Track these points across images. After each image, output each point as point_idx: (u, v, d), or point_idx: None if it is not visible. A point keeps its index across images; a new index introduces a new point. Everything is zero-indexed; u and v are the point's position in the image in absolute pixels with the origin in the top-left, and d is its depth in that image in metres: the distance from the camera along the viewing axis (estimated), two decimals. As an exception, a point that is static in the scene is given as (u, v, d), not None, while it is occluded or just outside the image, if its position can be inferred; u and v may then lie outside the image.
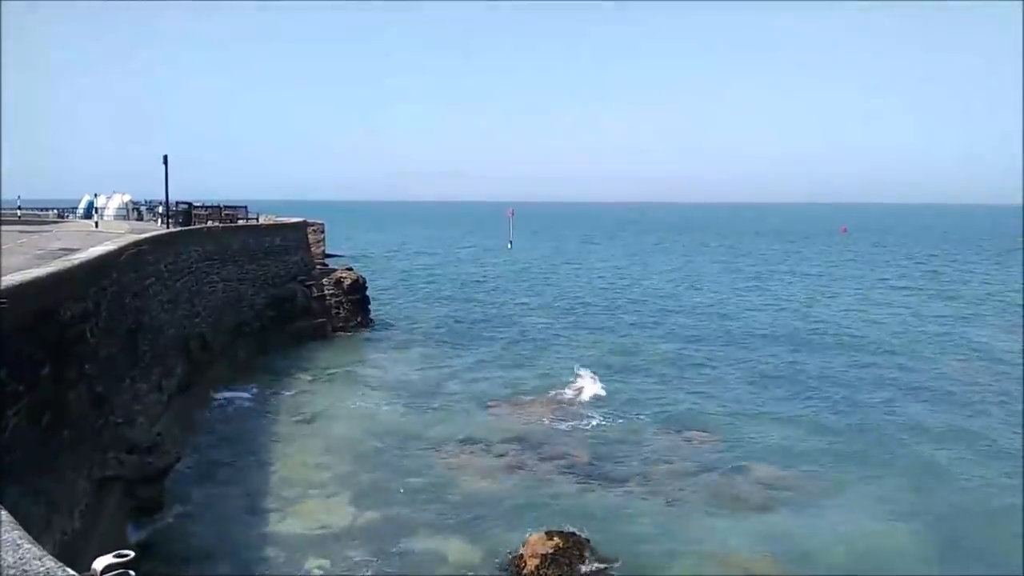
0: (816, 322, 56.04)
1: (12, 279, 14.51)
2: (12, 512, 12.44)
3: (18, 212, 49.48)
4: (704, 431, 30.64)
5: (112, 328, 20.70)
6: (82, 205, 55.08)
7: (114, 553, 3.61)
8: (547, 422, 31.78)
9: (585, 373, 39.44)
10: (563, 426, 31.20)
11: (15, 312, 13.54)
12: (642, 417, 32.39)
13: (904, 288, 75.98)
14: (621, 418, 32.26)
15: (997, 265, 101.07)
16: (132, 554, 3.58)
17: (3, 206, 58.69)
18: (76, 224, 45.50)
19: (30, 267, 17.50)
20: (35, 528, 13.71)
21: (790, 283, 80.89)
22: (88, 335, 18.21)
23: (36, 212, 55.17)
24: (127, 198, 54.55)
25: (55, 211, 57.10)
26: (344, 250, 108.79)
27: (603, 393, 35.79)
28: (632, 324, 55.75)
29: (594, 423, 31.56)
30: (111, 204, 53.36)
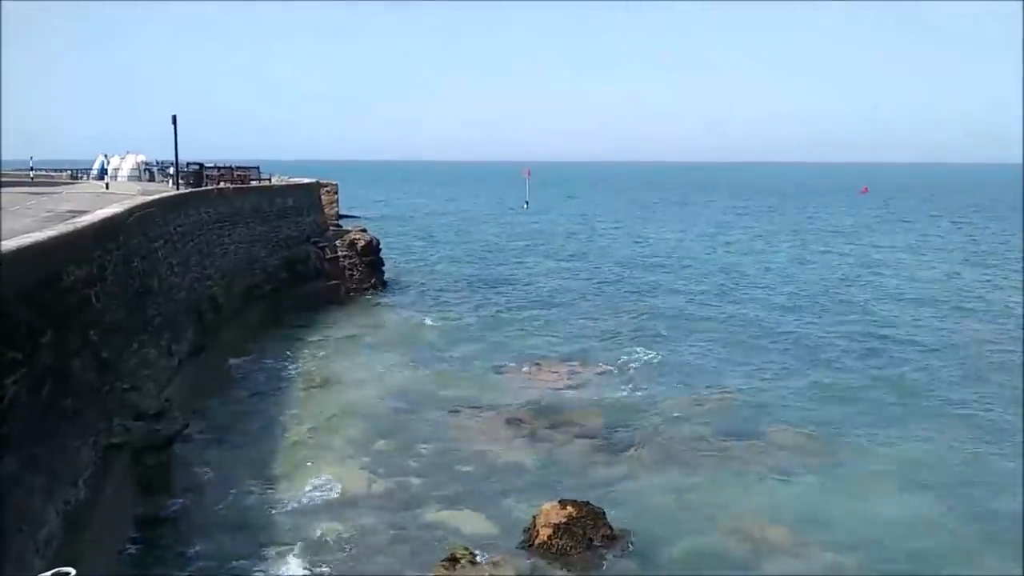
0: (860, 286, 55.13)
1: (10, 244, 14.14)
2: (13, 483, 12.16)
3: (31, 174, 49.21)
4: (722, 396, 30.18)
5: (119, 292, 20.39)
6: (96, 166, 54.86)
7: (53, 572, 3.20)
8: (561, 388, 31.40)
9: (601, 338, 39.03)
10: (578, 392, 30.83)
11: (13, 278, 13.18)
12: (659, 383, 31.93)
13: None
14: (637, 384, 31.80)
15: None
16: (72, 571, 3.17)
17: (17, 167, 58.60)
18: (88, 185, 45.22)
19: (35, 230, 17.15)
20: (37, 498, 13.51)
21: (827, 251, 79.67)
22: (93, 300, 17.88)
23: (49, 173, 54.97)
24: (141, 159, 54.22)
25: (69, 172, 56.88)
26: (358, 211, 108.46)
27: (620, 359, 35.35)
28: (654, 289, 55.08)
29: (609, 389, 31.17)
30: (125, 165, 53.08)
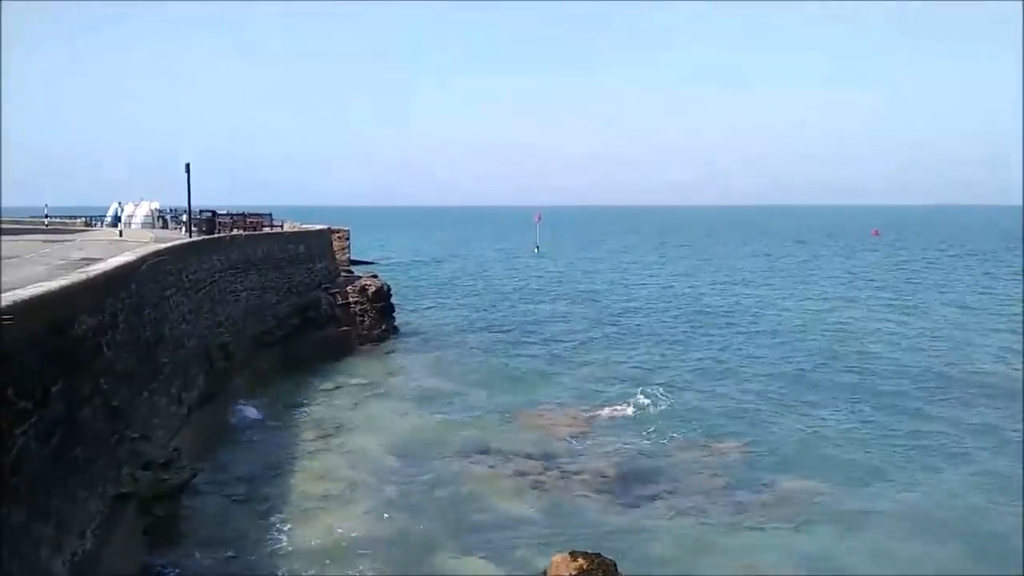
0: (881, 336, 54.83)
1: (23, 293, 14.20)
2: (20, 534, 12.08)
3: (45, 221, 49.69)
4: (734, 444, 29.89)
5: (130, 340, 20.41)
6: (110, 213, 55.37)
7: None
8: (572, 435, 31.15)
9: (613, 385, 38.85)
10: (588, 440, 30.58)
11: (25, 327, 13.22)
12: (669, 430, 31.65)
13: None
14: (648, 431, 31.57)
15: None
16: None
17: (32, 214, 59.17)
18: (102, 232, 45.57)
19: (49, 278, 17.25)
20: (44, 549, 13.40)
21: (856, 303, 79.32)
22: (104, 348, 17.90)
23: (63, 220, 55.46)
24: (155, 206, 54.74)
25: (83, 219, 57.37)
26: (370, 256, 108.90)
27: (631, 406, 35.12)
28: (665, 334, 54.93)
29: (620, 436, 30.91)
30: (139, 212, 53.55)
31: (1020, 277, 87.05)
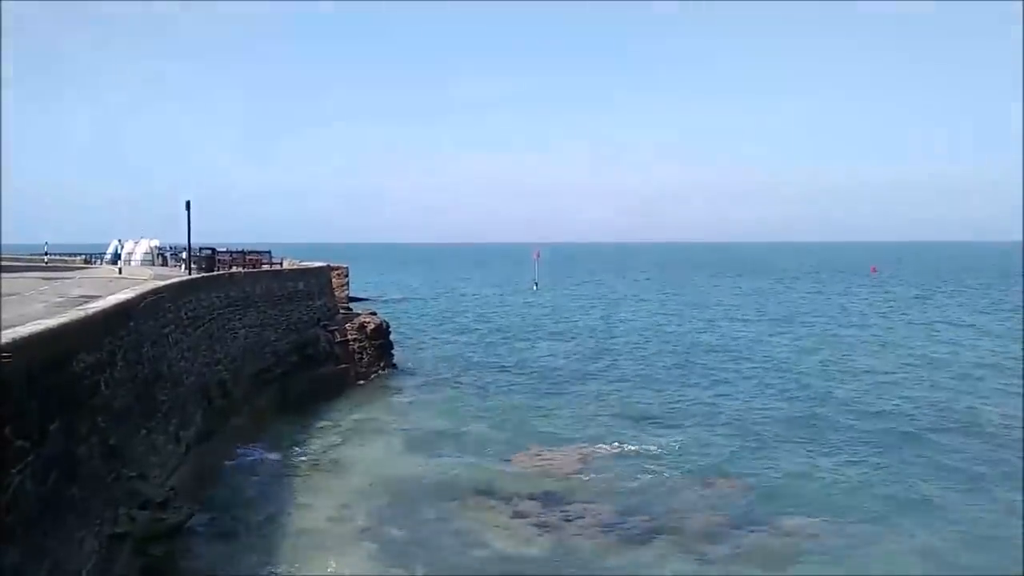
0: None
1: (21, 331, 14.16)
2: (15, 575, 11.88)
3: (45, 258, 49.74)
4: (733, 483, 29.66)
5: (128, 378, 20.32)
6: (110, 250, 55.51)
7: None
8: (571, 473, 30.94)
9: (611, 423, 38.66)
10: (587, 479, 30.33)
11: (23, 365, 13.16)
12: (669, 468, 31.43)
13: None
14: (648, 469, 31.33)
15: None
16: None
17: (32, 251, 59.30)
18: (102, 270, 45.60)
19: (47, 316, 17.21)
20: (38, 591, 13.21)
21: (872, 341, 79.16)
22: (102, 386, 17.82)
23: (63, 258, 55.55)
24: (154, 243, 54.91)
25: (83, 256, 57.50)
26: (369, 293, 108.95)
27: (629, 444, 34.92)
28: (663, 373, 54.77)
29: (620, 474, 30.67)
30: (138, 250, 53.68)
31: (1020, 313, 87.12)
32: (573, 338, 71.99)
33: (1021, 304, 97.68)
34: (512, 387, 48.81)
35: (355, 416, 40.79)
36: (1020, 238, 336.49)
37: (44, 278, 33.66)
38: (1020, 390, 45.36)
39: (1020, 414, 39.27)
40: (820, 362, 57.17)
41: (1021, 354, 57.79)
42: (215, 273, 39.73)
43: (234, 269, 43.83)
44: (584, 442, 35.37)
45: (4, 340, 12.77)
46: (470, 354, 62.35)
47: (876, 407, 42.21)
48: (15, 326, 14.59)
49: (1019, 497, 27.40)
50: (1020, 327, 74.76)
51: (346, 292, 68.52)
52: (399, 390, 48.21)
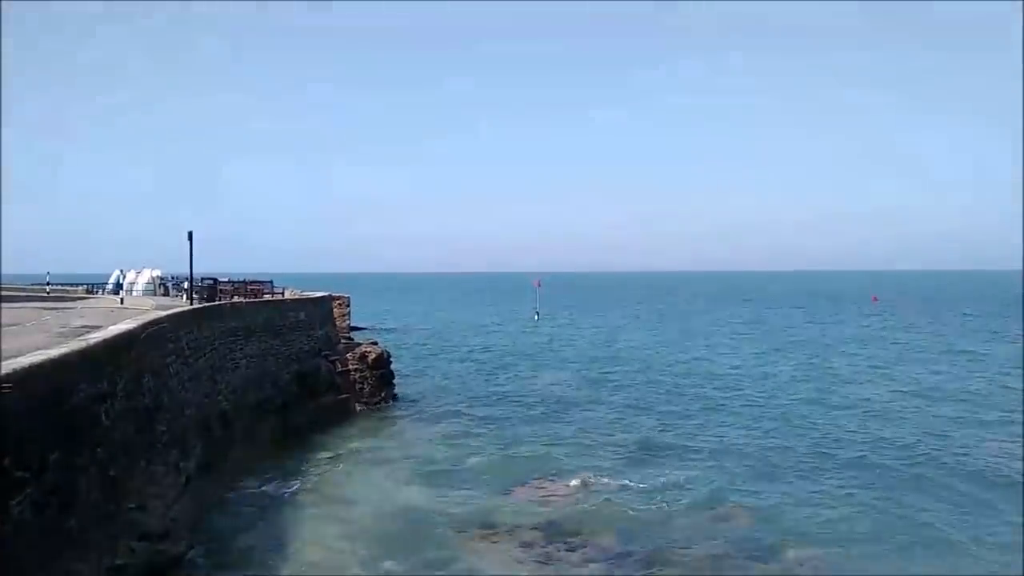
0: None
1: (23, 361, 14.17)
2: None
3: (47, 288, 49.77)
4: (739, 514, 29.45)
5: (129, 409, 20.27)
6: (112, 280, 55.56)
7: None
8: (575, 504, 30.71)
9: (614, 454, 38.46)
10: (592, 508, 30.09)
11: (23, 396, 13.15)
12: (674, 499, 31.21)
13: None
14: (651, 499, 31.13)
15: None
16: None
17: (34, 281, 59.34)
18: (103, 300, 45.65)
19: (49, 346, 17.21)
20: (36, 625, 13.09)
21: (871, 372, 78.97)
22: (103, 417, 17.78)
23: (65, 288, 55.59)
24: (156, 273, 54.99)
25: (84, 287, 57.53)
26: (370, 323, 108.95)
27: (632, 475, 34.72)
28: (664, 402, 54.59)
29: (624, 505, 30.41)
30: (140, 279, 53.78)
31: (1020, 342, 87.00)
32: (573, 367, 71.84)
33: (1022, 333, 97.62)
34: (513, 417, 48.62)
35: (356, 446, 40.60)
36: (1020, 266, 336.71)
37: (46, 308, 33.71)
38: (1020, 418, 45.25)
39: (1020, 444, 39.11)
40: (819, 391, 56.97)
41: (1022, 384, 57.64)
42: (216, 303, 39.76)
43: (235, 299, 43.86)
44: (585, 472, 35.13)
45: (5, 371, 12.78)
46: (471, 384, 62.21)
47: (878, 436, 42.00)
48: (16, 356, 14.61)
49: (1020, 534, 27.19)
50: (1021, 355, 74.66)
51: (347, 321, 68.53)
52: (400, 420, 48.03)
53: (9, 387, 12.36)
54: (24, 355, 14.94)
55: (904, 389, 57.57)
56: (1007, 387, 57.72)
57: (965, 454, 38.16)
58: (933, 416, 47.47)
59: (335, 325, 59.42)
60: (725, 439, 42.08)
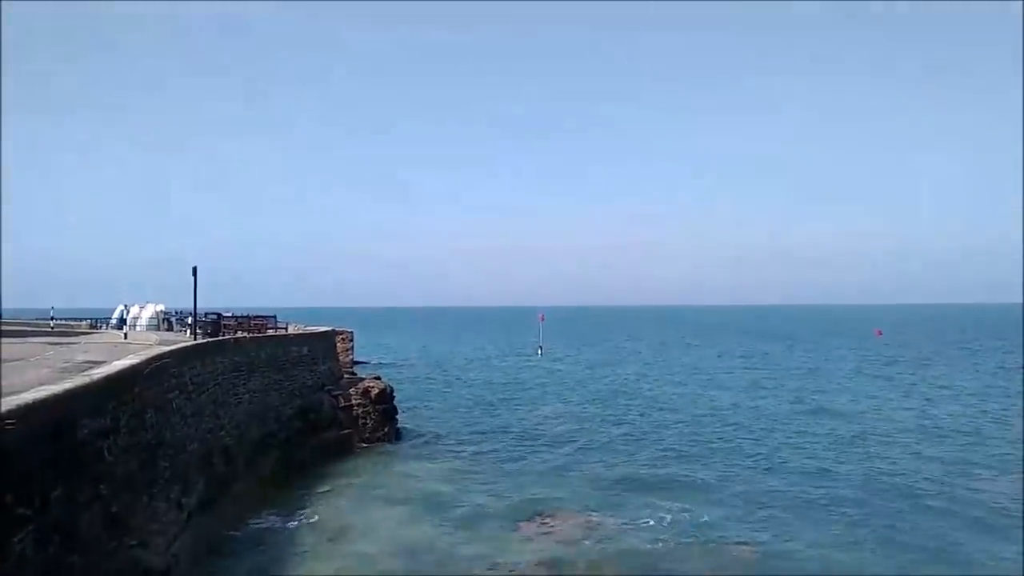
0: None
1: (26, 397, 14.16)
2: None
3: (51, 323, 49.91)
4: (744, 551, 29.17)
5: (131, 445, 20.20)
6: (115, 315, 55.75)
7: None
8: (579, 542, 30.40)
9: (619, 491, 38.20)
10: (597, 546, 29.78)
11: (26, 432, 13.12)
12: (678, 536, 30.93)
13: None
14: (656, 536, 30.82)
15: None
16: None
17: (38, 316, 59.50)
18: (107, 335, 45.73)
19: (52, 381, 17.21)
20: (35, 664, 12.95)
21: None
22: (106, 453, 17.71)
23: (69, 323, 55.74)
24: (160, 308, 55.14)
25: (88, 321, 57.70)
26: (373, 357, 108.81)
27: (638, 510, 34.47)
28: (669, 438, 54.31)
29: (629, 542, 30.13)
30: (144, 314, 53.95)
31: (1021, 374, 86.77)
32: (578, 403, 71.53)
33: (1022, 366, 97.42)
34: (517, 452, 48.36)
35: (359, 482, 40.34)
36: (1020, 300, 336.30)
37: (50, 343, 33.76)
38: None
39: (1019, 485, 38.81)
40: (828, 430, 56.64)
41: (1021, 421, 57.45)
42: (220, 338, 39.78)
43: (239, 334, 43.88)
44: (590, 509, 34.88)
45: (8, 407, 12.77)
46: (475, 419, 61.94)
47: (883, 475, 41.72)
48: (19, 392, 14.60)
49: None
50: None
51: (350, 356, 68.50)
52: (404, 455, 47.75)
53: (12, 423, 12.34)
54: (27, 390, 14.94)
55: (910, 426, 57.22)
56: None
57: (965, 496, 37.84)
58: (937, 454, 47.14)
59: (338, 360, 59.37)
60: (728, 475, 41.77)
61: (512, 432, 55.65)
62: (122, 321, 53.58)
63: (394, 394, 54.28)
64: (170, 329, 51.75)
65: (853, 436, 52.76)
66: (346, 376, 56.25)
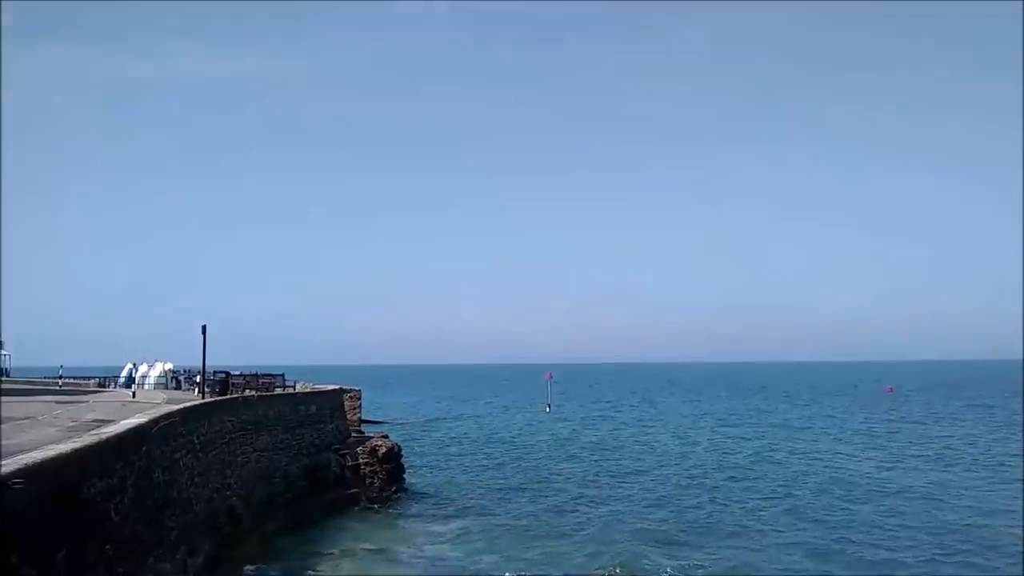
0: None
1: (34, 456, 14.15)
2: None
3: (59, 382, 49.92)
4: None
5: (138, 504, 20.09)
6: (124, 373, 55.71)
7: None
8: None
9: (628, 547, 37.71)
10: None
11: (33, 492, 13.07)
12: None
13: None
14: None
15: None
16: None
17: (46, 375, 59.54)
18: (115, 393, 45.71)
19: (60, 440, 17.20)
20: None
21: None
22: (112, 513, 17.61)
23: (77, 381, 55.74)
24: (168, 366, 55.10)
25: (96, 380, 57.65)
26: (381, 415, 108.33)
27: (649, 566, 33.99)
28: (677, 492, 53.75)
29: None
30: (152, 373, 53.90)
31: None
32: (586, 460, 70.95)
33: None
34: (525, 512, 47.80)
35: (366, 544, 39.79)
36: (1020, 356, 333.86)
37: (58, 402, 33.75)
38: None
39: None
40: (847, 486, 55.98)
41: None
42: (228, 397, 39.75)
43: (247, 392, 43.82)
44: (599, 567, 34.40)
45: (17, 466, 12.76)
46: (482, 476, 61.41)
47: (899, 529, 41.16)
48: (27, 451, 14.60)
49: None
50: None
51: (358, 415, 68.16)
52: (410, 516, 47.21)
53: (20, 483, 12.32)
54: (35, 449, 14.93)
55: (921, 488, 56.55)
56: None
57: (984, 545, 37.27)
58: (948, 517, 46.53)
59: (346, 418, 59.07)
60: (736, 530, 41.39)
61: (520, 490, 55.09)
62: (130, 380, 53.56)
63: (401, 453, 53.92)
64: (178, 388, 51.69)
65: (867, 494, 52.09)
66: (354, 435, 55.92)
